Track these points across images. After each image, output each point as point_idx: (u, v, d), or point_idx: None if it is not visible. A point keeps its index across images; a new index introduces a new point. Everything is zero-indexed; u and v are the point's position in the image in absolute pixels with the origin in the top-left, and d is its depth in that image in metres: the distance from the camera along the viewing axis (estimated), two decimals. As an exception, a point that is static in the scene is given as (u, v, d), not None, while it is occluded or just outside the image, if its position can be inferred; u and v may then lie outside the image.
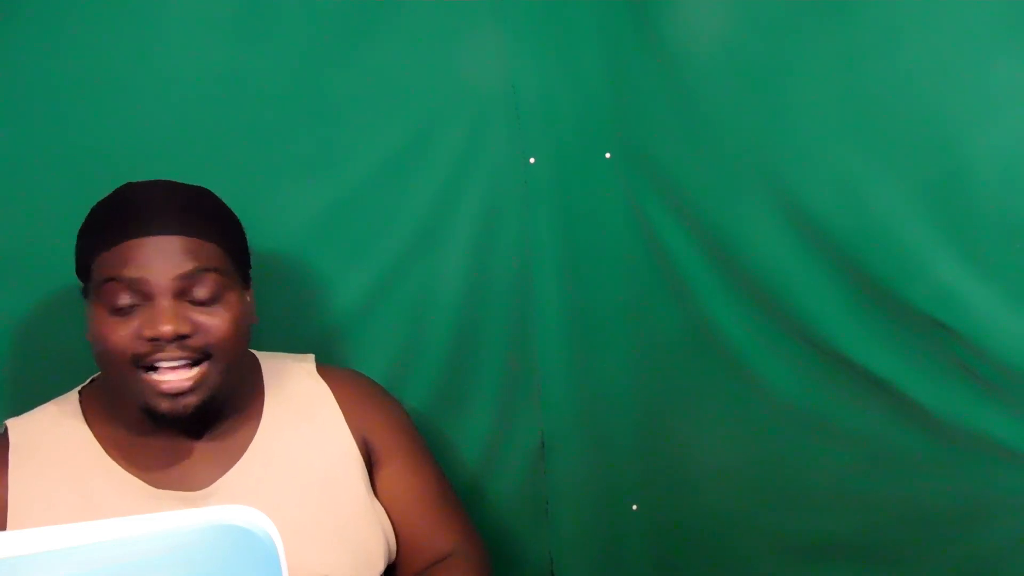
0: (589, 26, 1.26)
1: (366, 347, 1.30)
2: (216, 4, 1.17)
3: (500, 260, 1.33)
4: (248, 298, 1.03)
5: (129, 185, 0.98)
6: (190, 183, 1.03)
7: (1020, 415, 0.97)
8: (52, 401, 1.04)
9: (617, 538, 1.47)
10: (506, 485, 1.42)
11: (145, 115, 1.16)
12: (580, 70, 1.28)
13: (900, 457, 1.11)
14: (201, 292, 0.95)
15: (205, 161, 1.18)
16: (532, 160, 1.30)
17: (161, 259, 0.93)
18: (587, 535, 1.46)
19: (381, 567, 1.07)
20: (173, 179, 1.03)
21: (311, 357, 1.15)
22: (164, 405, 0.94)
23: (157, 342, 0.92)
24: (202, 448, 1.02)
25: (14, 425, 1.01)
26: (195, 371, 0.94)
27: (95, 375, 1.06)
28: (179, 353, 0.93)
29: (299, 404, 1.09)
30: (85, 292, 0.97)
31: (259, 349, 1.14)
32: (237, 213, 1.05)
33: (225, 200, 1.04)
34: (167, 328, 0.92)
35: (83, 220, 0.98)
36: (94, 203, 0.99)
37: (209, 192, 1.02)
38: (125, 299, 0.93)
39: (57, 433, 1.00)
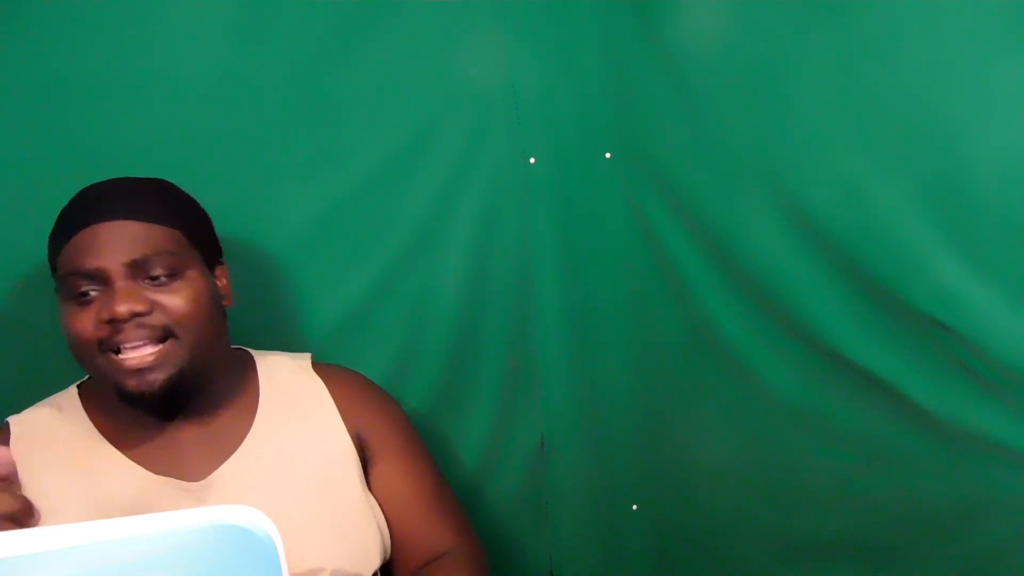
0: (589, 26, 1.26)
1: (366, 347, 1.30)
2: (216, 4, 1.17)
3: (500, 260, 1.33)
4: (222, 280, 1.05)
5: (88, 186, 1.00)
6: (189, 182, 1.03)
7: (1020, 415, 0.97)
8: (51, 397, 1.05)
9: (617, 538, 1.47)
10: (506, 485, 1.42)
11: (145, 115, 1.17)
12: (580, 70, 1.28)
13: (900, 457, 1.11)
14: (157, 270, 0.96)
15: (205, 161, 1.18)
16: (532, 160, 1.30)
17: (113, 243, 0.94)
18: (587, 535, 1.46)
19: (377, 562, 1.07)
20: (173, 179, 1.03)
21: (307, 355, 1.15)
22: (131, 382, 0.95)
23: (115, 323, 0.93)
24: (197, 438, 1.03)
25: (15, 421, 1.02)
26: (158, 347, 0.95)
27: None
28: (140, 332, 0.94)
29: (294, 399, 1.09)
30: (57, 293, 0.99)
31: (259, 348, 1.14)
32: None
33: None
34: (122, 308, 0.92)
35: None
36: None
37: (166, 181, 1.03)
38: (84, 288, 0.94)
39: (58, 425, 1.01)
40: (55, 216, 0.99)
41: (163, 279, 0.96)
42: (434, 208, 1.29)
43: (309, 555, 1.01)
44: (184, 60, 1.17)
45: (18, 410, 1.04)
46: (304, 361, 1.13)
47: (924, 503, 1.10)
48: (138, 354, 0.94)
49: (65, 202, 0.99)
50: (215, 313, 1.02)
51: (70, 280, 0.95)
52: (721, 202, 1.19)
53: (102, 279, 0.94)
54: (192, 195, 1.04)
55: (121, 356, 0.94)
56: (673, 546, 1.45)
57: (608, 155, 1.31)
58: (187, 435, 1.02)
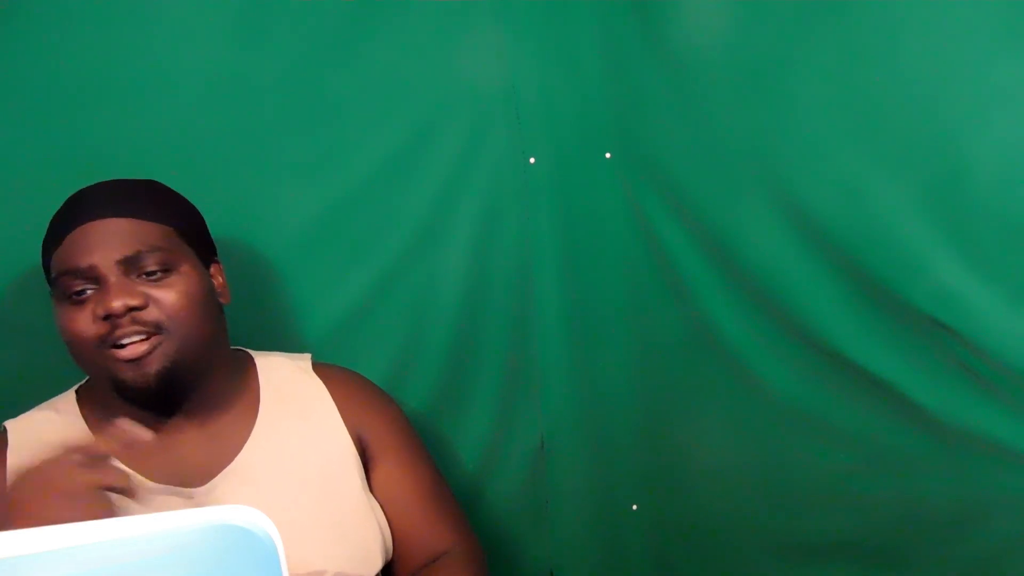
0: (589, 26, 1.26)
1: (366, 347, 1.30)
2: (215, 5, 1.17)
3: (500, 260, 1.33)
4: (218, 278, 1.05)
5: (77, 191, 1.01)
6: (189, 183, 1.03)
7: (1020, 415, 0.97)
8: (49, 401, 1.05)
9: (617, 538, 1.47)
10: (506, 485, 1.42)
11: (145, 115, 1.17)
12: (580, 70, 1.28)
13: (900, 457, 1.11)
14: (150, 266, 0.96)
15: (205, 161, 1.18)
16: (532, 160, 1.30)
17: (104, 242, 0.95)
18: (587, 535, 1.46)
19: (379, 563, 1.07)
20: (173, 179, 1.03)
21: (307, 356, 1.15)
22: (128, 374, 0.95)
23: (110, 319, 0.93)
24: (198, 443, 1.02)
25: (12, 426, 1.02)
26: (153, 339, 0.95)
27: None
28: (135, 328, 0.94)
29: (295, 401, 1.09)
30: (52, 296, 0.99)
31: (259, 349, 1.14)
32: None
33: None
34: (116, 304, 0.93)
35: None
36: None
37: (155, 181, 1.03)
38: (78, 287, 0.95)
39: (55, 430, 1.01)
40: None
41: (157, 274, 0.96)
42: (434, 208, 1.29)
43: (310, 557, 1.01)
44: (184, 60, 1.17)
45: (17, 412, 1.03)
46: (304, 362, 1.13)
47: (924, 503, 1.10)
48: (134, 345, 0.94)
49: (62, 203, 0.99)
50: (210, 309, 1.01)
51: (64, 280, 0.95)
52: (721, 202, 1.19)
53: (95, 277, 0.95)
54: (192, 195, 1.04)
55: (116, 349, 0.95)
56: (673, 546, 1.45)
57: (608, 155, 1.31)
58: (187, 439, 1.02)
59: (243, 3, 1.17)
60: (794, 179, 1.08)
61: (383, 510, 1.10)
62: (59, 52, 1.13)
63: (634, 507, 1.45)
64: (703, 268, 1.24)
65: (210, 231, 1.07)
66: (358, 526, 1.06)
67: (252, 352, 1.13)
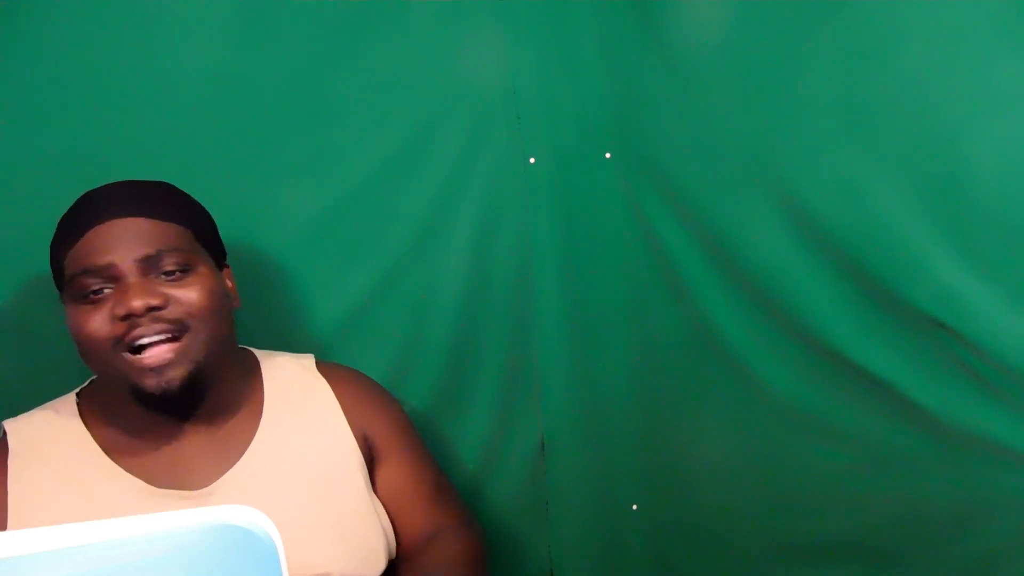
0: (589, 26, 1.26)
1: (366, 347, 1.30)
2: (216, 5, 1.17)
3: (500, 260, 1.33)
4: (228, 282, 1.05)
5: (89, 190, 1.00)
6: (190, 183, 1.03)
7: (1020, 415, 0.97)
8: (49, 403, 1.04)
9: (617, 538, 1.47)
10: (506, 485, 1.42)
11: (145, 115, 1.17)
12: (580, 70, 1.28)
13: (900, 457, 1.11)
14: (169, 265, 0.96)
15: (205, 161, 1.18)
16: (532, 160, 1.30)
17: (124, 241, 0.94)
18: (587, 535, 1.46)
19: (382, 564, 1.07)
20: (173, 180, 1.03)
21: (311, 356, 1.15)
22: (150, 381, 0.94)
23: (130, 318, 0.93)
24: (202, 447, 1.02)
25: (12, 429, 1.01)
26: (176, 344, 0.95)
27: (92, 377, 1.06)
28: (156, 327, 0.94)
29: (299, 401, 1.09)
30: (63, 299, 0.98)
31: (260, 348, 1.14)
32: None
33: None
34: (137, 303, 0.92)
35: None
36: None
37: (169, 184, 1.03)
38: (95, 286, 0.94)
39: (55, 436, 1.00)
40: (55, 218, 0.99)
41: (176, 274, 0.96)
42: (434, 208, 1.29)
43: (312, 558, 1.01)
44: (184, 61, 1.17)
45: (17, 413, 1.03)
46: (308, 361, 1.13)
47: (924, 503, 1.10)
48: (156, 352, 0.94)
49: (65, 205, 0.99)
50: (227, 312, 1.02)
51: (81, 279, 0.94)
52: (721, 202, 1.19)
53: (114, 276, 0.94)
54: (193, 196, 1.04)
55: (139, 356, 0.94)
56: (673, 546, 1.45)
57: (608, 155, 1.31)
58: (192, 444, 1.02)
59: (243, 4, 1.17)
60: (794, 179, 1.08)
61: (389, 506, 1.11)
62: (59, 52, 1.13)
63: (634, 507, 1.45)
64: (703, 268, 1.24)
65: (214, 233, 1.07)
66: (360, 526, 1.06)
67: (256, 352, 1.13)
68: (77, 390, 1.05)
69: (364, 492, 1.07)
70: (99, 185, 1.00)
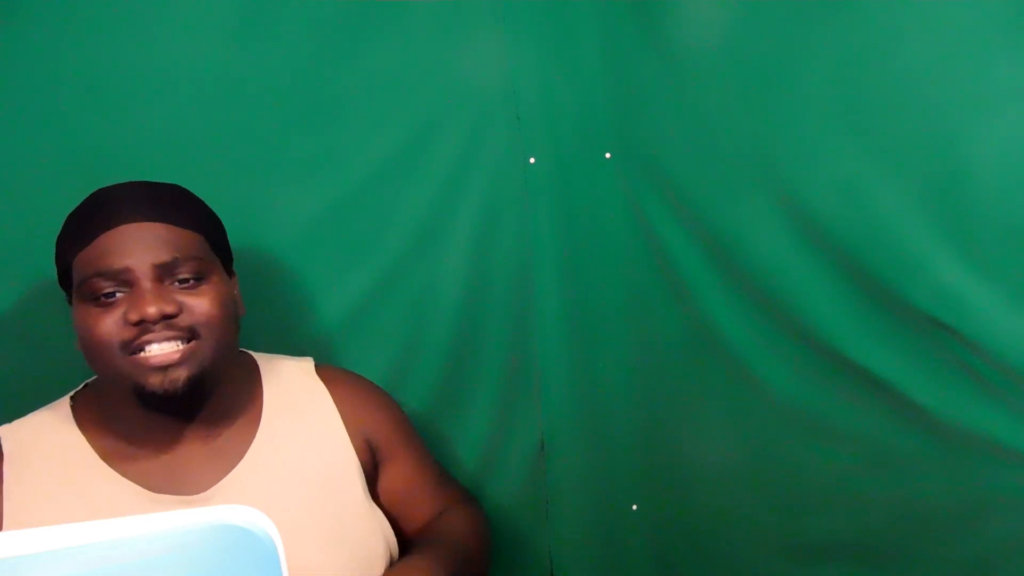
0: (589, 26, 1.26)
1: (366, 347, 1.30)
2: (216, 5, 1.17)
3: (500, 260, 1.33)
4: (234, 289, 1.04)
5: (100, 189, 0.99)
6: (190, 183, 1.03)
7: (1020, 415, 0.97)
8: (44, 408, 1.03)
9: (617, 538, 1.47)
10: (506, 485, 1.42)
11: (145, 115, 1.17)
12: (580, 70, 1.28)
13: (900, 457, 1.11)
14: (184, 273, 0.95)
15: (205, 161, 1.18)
16: (532, 160, 1.30)
17: (139, 246, 0.94)
18: (587, 535, 1.46)
19: (380, 568, 1.07)
20: (173, 180, 1.03)
21: (310, 360, 1.15)
22: (155, 380, 0.93)
23: (143, 324, 0.92)
24: (201, 452, 1.02)
25: (6, 434, 1.00)
26: (184, 346, 0.94)
27: (88, 380, 1.05)
28: (167, 334, 0.93)
29: (297, 405, 1.09)
30: (69, 299, 0.98)
31: (259, 349, 1.14)
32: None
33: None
34: (152, 310, 0.92)
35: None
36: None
37: (182, 187, 1.02)
38: (108, 289, 0.93)
39: (50, 441, 1.00)
40: (54, 219, 0.98)
41: (190, 281, 0.96)
42: (434, 208, 1.29)
43: (311, 562, 1.01)
44: (184, 61, 1.17)
45: (14, 415, 1.03)
46: (307, 365, 1.13)
47: (924, 503, 1.10)
48: (163, 350, 0.94)
49: (65, 205, 0.99)
50: (235, 320, 1.01)
51: (93, 281, 0.93)
52: (721, 202, 1.18)
53: (128, 281, 0.93)
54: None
55: (145, 354, 0.93)
56: (673, 546, 1.45)
57: (608, 155, 1.31)
58: (190, 450, 1.01)
59: (243, 4, 1.17)
60: (794, 179, 1.08)
61: (397, 498, 1.13)
62: (59, 52, 1.13)
63: (634, 507, 1.45)
64: (703, 268, 1.24)
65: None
66: (359, 530, 1.06)
67: (256, 356, 1.12)
68: (71, 394, 1.05)
69: (363, 496, 1.08)
70: (99, 185, 0.99)
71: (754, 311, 1.19)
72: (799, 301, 1.12)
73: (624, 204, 1.32)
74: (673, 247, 1.27)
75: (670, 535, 1.44)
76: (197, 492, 1.00)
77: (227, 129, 1.20)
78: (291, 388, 1.10)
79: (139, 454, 1.00)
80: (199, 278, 0.96)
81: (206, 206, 1.03)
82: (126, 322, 0.92)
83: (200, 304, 0.96)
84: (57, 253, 0.98)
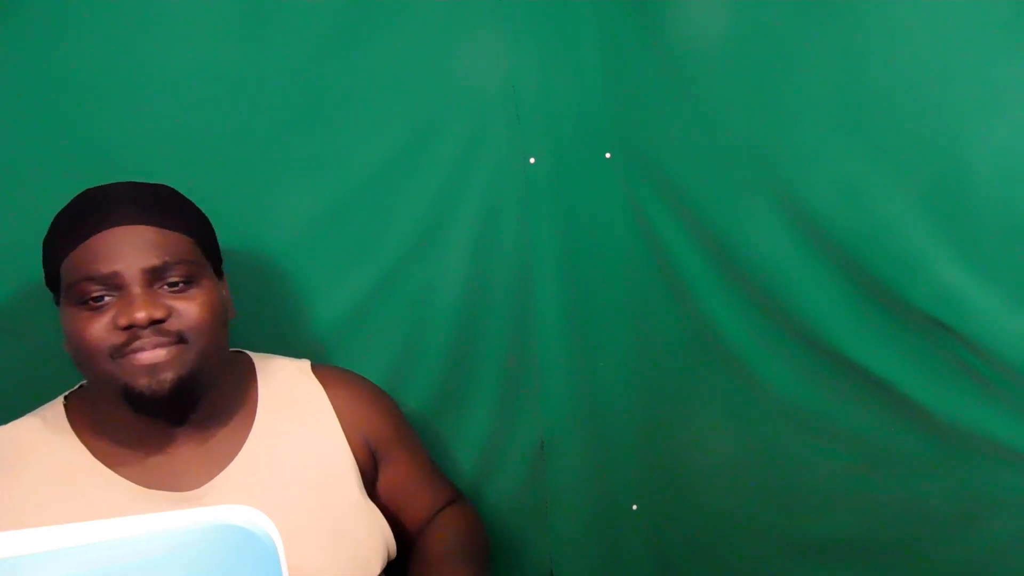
0: (589, 26, 1.26)
1: (366, 347, 1.30)
2: (216, 5, 1.17)
3: (500, 260, 1.33)
4: (224, 292, 1.04)
5: (88, 189, 0.99)
6: (190, 183, 1.03)
7: (1020, 415, 0.97)
8: (36, 410, 1.03)
9: (617, 538, 1.47)
10: (506, 485, 1.42)
11: (145, 115, 1.16)
12: (580, 70, 1.28)
13: (900, 457, 1.11)
14: (173, 276, 0.95)
15: (205, 161, 1.18)
16: (532, 160, 1.30)
17: (129, 249, 0.93)
18: (587, 535, 1.46)
19: (378, 567, 1.07)
20: (173, 180, 1.03)
21: (307, 360, 1.14)
22: (142, 381, 0.93)
23: (132, 329, 0.92)
24: (194, 452, 1.01)
25: (1, 436, 1.00)
26: (172, 348, 0.94)
27: (82, 382, 1.05)
28: (156, 339, 0.93)
29: (293, 404, 1.09)
30: (57, 301, 0.97)
31: (258, 349, 1.14)
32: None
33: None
34: (141, 315, 0.92)
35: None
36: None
37: (172, 188, 1.02)
38: (97, 293, 0.93)
39: (44, 442, 0.99)
40: (53, 216, 0.99)
41: (180, 285, 0.95)
42: (434, 208, 1.29)
43: (307, 562, 1.01)
44: (184, 61, 1.17)
45: (11, 415, 1.02)
46: (304, 365, 1.13)
47: (924, 503, 1.10)
48: (151, 352, 0.93)
49: (64, 203, 0.98)
50: (224, 322, 1.01)
51: (82, 285, 0.93)
52: (721, 202, 1.19)
53: (117, 285, 0.93)
54: (191, 195, 1.04)
55: (133, 355, 0.93)
56: (673, 546, 1.45)
57: (608, 155, 1.31)
58: (184, 450, 1.01)
59: (244, 4, 1.17)
60: (794, 178, 1.08)
61: (397, 495, 1.13)
62: (59, 52, 1.13)
63: (634, 507, 1.45)
64: (703, 268, 1.24)
65: (211, 236, 1.07)
66: (355, 529, 1.06)
67: (253, 356, 1.12)
68: (66, 394, 1.04)
69: (359, 496, 1.07)
70: (108, 181, 0.99)
71: (754, 311, 1.19)
72: (799, 301, 1.12)
73: (624, 204, 1.32)
74: (673, 247, 1.27)
75: (670, 535, 1.44)
76: (190, 488, 1.00)
77: (227, 129, 1.20)
78: (287, 388, 1.10)
79: (133, 454, 1.00)
80: (189, 282, 0.96)
81: (196, 208, 1.02)
82: (115, 327, 0.92)
83: (189, 309, 0.95)
84: (45, 255, 0.98)
